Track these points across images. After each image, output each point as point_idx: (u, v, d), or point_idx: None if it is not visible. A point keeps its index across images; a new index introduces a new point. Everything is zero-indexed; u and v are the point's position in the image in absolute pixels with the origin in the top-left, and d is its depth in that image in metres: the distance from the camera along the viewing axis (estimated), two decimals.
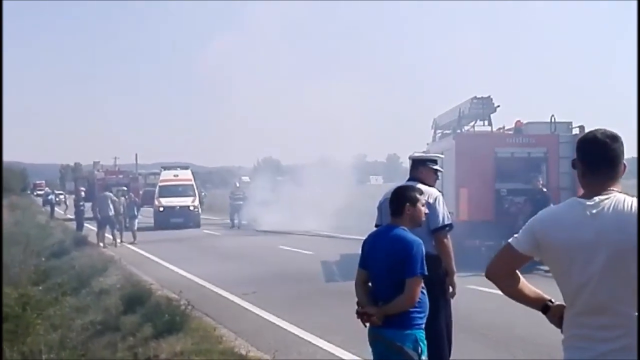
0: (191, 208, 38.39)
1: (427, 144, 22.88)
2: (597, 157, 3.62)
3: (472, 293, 11.97)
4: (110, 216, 26.79)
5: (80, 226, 31.43)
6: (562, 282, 3.62)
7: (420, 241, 5.48)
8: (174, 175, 40.36)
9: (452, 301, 7.20)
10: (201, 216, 39.11)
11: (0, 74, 12.50)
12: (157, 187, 40.25)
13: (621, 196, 3.53)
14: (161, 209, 38.29)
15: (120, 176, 50.02)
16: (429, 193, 7.14)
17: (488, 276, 3.83)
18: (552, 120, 19.08)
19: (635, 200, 3.51)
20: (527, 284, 3.81)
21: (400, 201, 5.60)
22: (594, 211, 3.53)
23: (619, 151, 3.61)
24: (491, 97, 20.64)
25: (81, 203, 32.52)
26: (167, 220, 37.33)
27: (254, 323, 11.69)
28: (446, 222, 7.10)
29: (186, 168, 42.47)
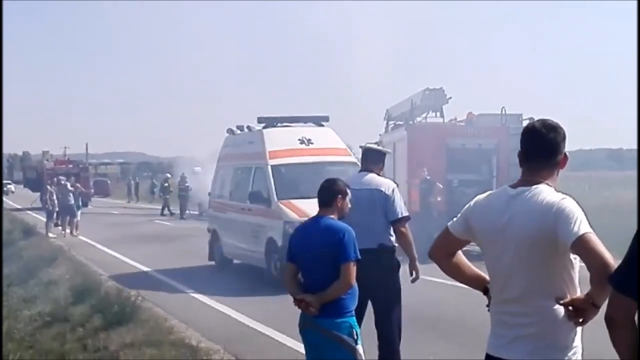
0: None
1: (380, 134, 23.00)
2: (531, 147, 3.63)
3: (423, 284, 12.03)
4: (71, 205, 26.32)
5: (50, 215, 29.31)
6: (487, 268, 3.72)
7: (350, 228, 5.52)
8: (301, 141, 15.72)
9: (403, 292, 7.24)
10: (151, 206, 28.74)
11: (0, 74, 12.21)
12: (267, 171, 15.13)
13: (543, 189, 3.52)
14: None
15: (70, 166, 49.37)
16: (386, 184, 7.18)
17: (430, 257, 3.93)
18: (503, 112, 19.33)
19: (553, 195, 3.49)
20: (469, 266, 3.88)
21: (332, 193, 5.68)
22: (511, 201, 3.55)
23: (554, 142, 3.60)
24: (443, 88, 20.82)
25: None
26: None
27: (205, 314, 11.64)
28: (404, 214, 7.15)
29: (322, 123, 16.67)
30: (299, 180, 14.59)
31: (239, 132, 16.92)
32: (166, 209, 37.85)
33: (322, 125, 16.29)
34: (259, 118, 16.00)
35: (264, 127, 15.77)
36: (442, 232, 3.88)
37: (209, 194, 18.24)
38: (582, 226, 3.31)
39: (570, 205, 3.41)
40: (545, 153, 3.60)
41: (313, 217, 5.74)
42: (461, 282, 3.93)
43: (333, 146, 15.70)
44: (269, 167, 14.75)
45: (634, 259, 2.97)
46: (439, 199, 18.20)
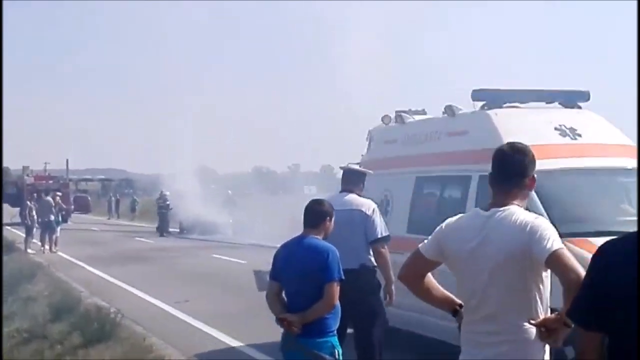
0: None
1: (362, 155, 22.98)
2: (499, 169, 3.78)
3: None
4: (51, 221, 26.20)
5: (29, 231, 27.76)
6: (459, 289, 3.80)
7: (335, 248, 5.56)
8: (561, 132, 8.76)
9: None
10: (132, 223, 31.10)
11: (1, 74, 12.21)
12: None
13: (515, 209, 3.63)
14: None
15: (51, 182, 49.11)
16: (367, 205, 7.21)
17: (400, 279, 4.01)
18: None
19: (526, 215, 3.60)
20: (438, 288, 3.94)
21: (321, 215, 5.73)
22: (485, 223, 3.65)
23: (522, 164, 3.74)
24: (425, 110, 20.87)
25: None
26: None
27: (185, 332, 11.59)
28: (384, 234, 7.17)
29: (578, 104, 9.53)
30: (578, 201, 8.23)
31: (412, 118, 10.60)
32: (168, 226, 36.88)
33: (579, 107, 9.50)
34: (474, 92, 9.24)
35: (485, 107, 9.20)
36: (412, 254, 3.94)
37: None
38: (555, 243, 3.46)
39: (543, 224, 3.55)
40: (513, 175, 3.73)
41: (298, 236, 5.76)
42: (431, 304, 4.04)
43: (614, 142, 8.90)
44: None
45: (591, 291, 2.94)
46: None
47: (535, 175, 3.78)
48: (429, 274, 3.91)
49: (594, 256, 2.98)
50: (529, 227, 3.51)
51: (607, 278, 2.87)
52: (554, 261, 3.43)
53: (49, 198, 27.57)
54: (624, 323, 2.82)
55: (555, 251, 3.43)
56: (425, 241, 3.90)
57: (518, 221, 3.55)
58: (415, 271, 3.92)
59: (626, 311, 2.80)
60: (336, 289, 5.46)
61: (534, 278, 3.53)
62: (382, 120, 10.90)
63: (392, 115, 10.72)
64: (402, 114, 10.57)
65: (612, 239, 3.04)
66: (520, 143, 3.85)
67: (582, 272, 3.28)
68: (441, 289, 3.93)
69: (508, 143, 3.89)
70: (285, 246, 5.82)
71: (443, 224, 3.88)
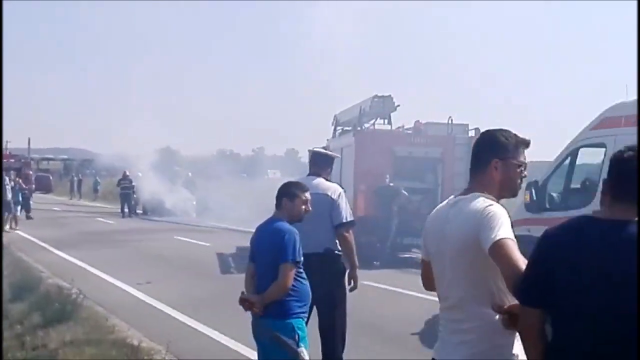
0: None
1: (327, 139, 23.05)
2: (472, 155, 3.70)
3: (366, 289, 12.12)
4: (8, 200, 25.97)
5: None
6: (434, 277, 3.72)
7: (294, 230, 5.61)
8: None
9: (348, 296, 7.29)
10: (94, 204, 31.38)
11: (0, 73, 12.01)
12: None
13: (475, 197, 3.51)
14: None
15: (12, 160, 48.52)
16: (333, 189, 7.22)
17: (426, 290, 3.95)
18: (450, 121, 19.55)
19: (481, 202, 3.46)
20: None
21: (279, 195, 5.79)
22: (450, 210, 3.59)
23: (481, 150, 3.62)
24: (392, 96, 20.98)
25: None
26: None
27: (147, 314, 11.54)
28: (348, 219, 7.18)
29: None
30: None
31: None
32: (136, 207, 36.92)
33: None
34: None
35: None
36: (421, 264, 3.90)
37: None
38: (500, 231, 3.26)
39: (494, 211, 3.37)
40: (475, 159, 3.65)
41: (268, 219, 5.82)
42: None
43: None
44: None
45: (536, 271, 3.00)
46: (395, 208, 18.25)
47: (511, 162, 3.56)
48: None
49: (542, 238, 3.01)
50: (479, 214, 3.37)
51: (559, 261, 2.91)
52: (495, 253, 3.23)
53: (5, 177, 27.34)
54: (570, 303, 2.88)
55: (497, 241, 3.22)
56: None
57: (473, 209, 3.42)
58: (427, 277, 3.82)
59: (576, 294, 2.86)
60: (289, 270, 5.49)
61: (492, 267, 3.33)
62: None
63: None
64: None
65: (562, 223, 3.06)
66: (492, 129, 3.65)
67: (521, 265, 3.16)
68: None
69: (486, 131, 3.71)
70: (257, 228, 5.88)
71: (426, 221, 3.80)
